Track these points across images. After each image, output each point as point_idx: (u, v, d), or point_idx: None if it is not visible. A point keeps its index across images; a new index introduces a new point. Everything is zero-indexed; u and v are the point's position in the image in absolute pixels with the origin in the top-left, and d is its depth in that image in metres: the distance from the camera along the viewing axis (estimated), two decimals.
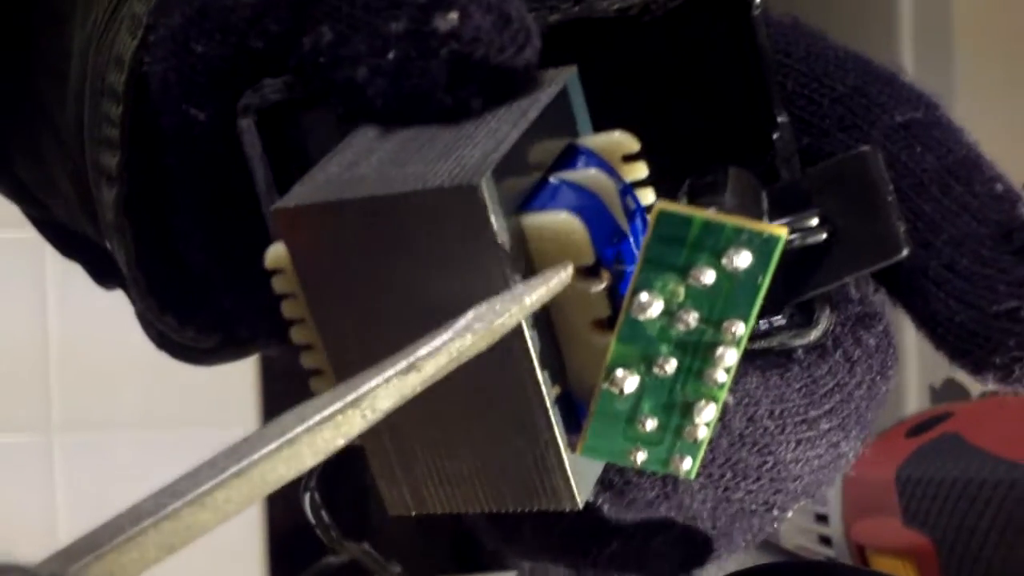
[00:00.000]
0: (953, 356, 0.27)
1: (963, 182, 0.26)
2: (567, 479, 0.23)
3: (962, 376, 0.28)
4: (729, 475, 0.27)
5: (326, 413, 0.18)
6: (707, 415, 0.23)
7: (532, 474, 0.23)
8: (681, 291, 0.22)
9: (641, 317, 0.22)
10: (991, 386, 0.27)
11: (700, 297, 0.22)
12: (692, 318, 0.22)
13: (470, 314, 0.20)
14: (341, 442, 0.18)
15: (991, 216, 0.26)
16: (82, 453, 1.00)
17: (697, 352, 0.22)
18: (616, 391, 0.22)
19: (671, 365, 0.22)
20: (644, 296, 0.22)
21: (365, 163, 0.22)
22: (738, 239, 0.21)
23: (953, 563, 0.45)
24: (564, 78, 0.24)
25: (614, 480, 0.26)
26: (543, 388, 0.22)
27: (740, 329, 0.22)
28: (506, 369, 0.22)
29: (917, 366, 0.90)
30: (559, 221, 0.22)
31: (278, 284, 0.23)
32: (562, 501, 0.23)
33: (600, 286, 0.22)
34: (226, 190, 0.26)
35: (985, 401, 0.55)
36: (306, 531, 0.35)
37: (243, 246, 0.26)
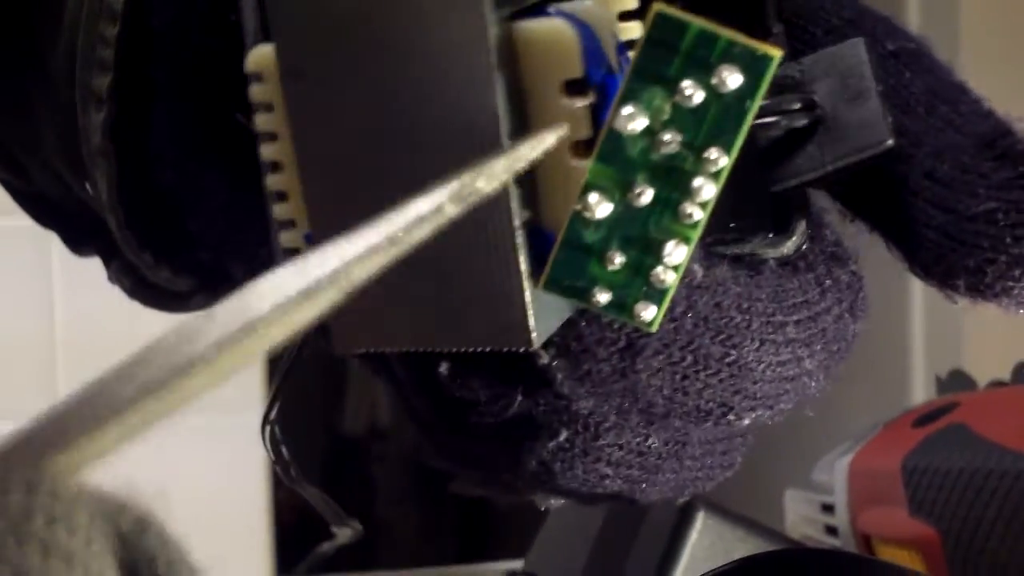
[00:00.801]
0: (926, 266, 0.26)
1: (949, 102, 0.26)
2: (525, 311, 0.22)
3: (969, 366, 0.28)
4: (690, 359, 0.26)
5: (302, 287, 0.17)
6: (677, 256, 0.22)
7: (491, 303, 0.23)
8: (667, 108, 0.21)
9: (624, 130, 0.21)
10: (961, 297, 0.26)
11: (685, 117, 0.21)
12: (675, 141, 0.21)
13: (455, 184, 0.19)
14: (314, 315, 0.17)
15: (975, 129, 0.25)
16: None
17: (675, 182, 0.22)
18: (588, 216, 0.22)
19: (647, 195, 0.22)
20: (629, 108, 0.21)
21: None
22: (731, 53, 0.21)
23: (959, 553, 0.45)
24: None
25: (571, 346, 0.25)
26: (513, 209, 0.22)
27: (722, 160, 0.21)
28: None
29: (924, 356, 0.90)
30: (552, 26, 0.21)
31: (257, 93, 0.23)
32: (517, 338, 0.23)
33: (585, 101, 0.22)
34: (207, 106, 0.26)
35: (992, 392, 0.55)
36: (312, 521, 0.35)
37: (214, 168, 0.26)
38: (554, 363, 0.25)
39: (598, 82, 0.22)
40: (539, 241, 0.23)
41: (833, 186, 0.27)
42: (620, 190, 0.22)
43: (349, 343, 0.24)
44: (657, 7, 0.20)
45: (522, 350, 0.23)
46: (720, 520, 0.46)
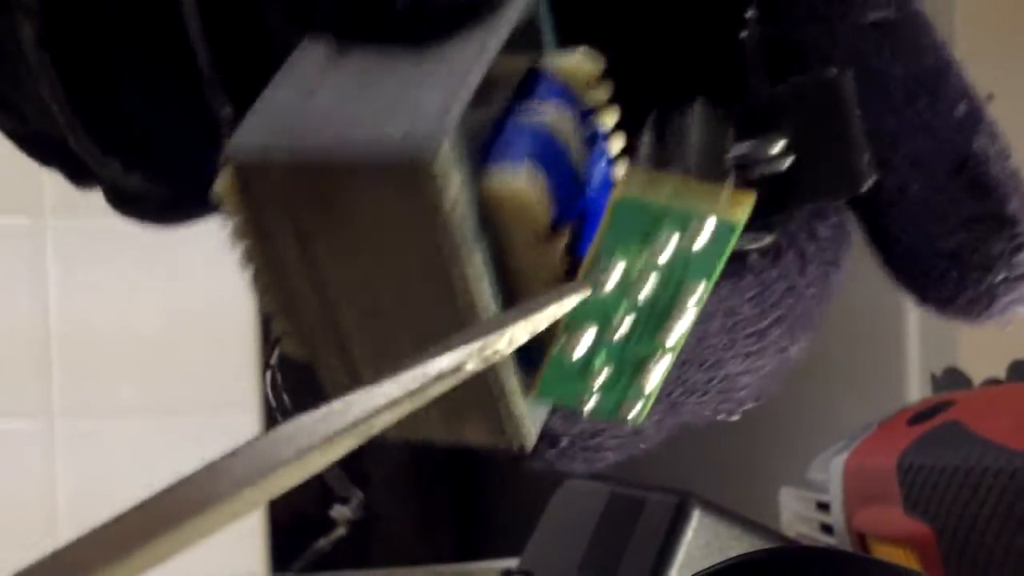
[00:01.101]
0: (897, 278, 0.27)
1: (929, 93, 0.26)
2: (520, 423, 0.24)
3: (964, 364, 0.28)
4: (678, 392, 0.27)
5: (325, 435, 0.17)
6: (660, 368, 0.23)
7: (487, 413, 0.24)
8: (639, 262, 0.22)
9: (598, 285, 0.22)
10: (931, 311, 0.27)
11: (659, 266, 0.22)
12: (650, 283, 0.22)
13: (479, 344, 0.19)
14: (332, 461, 0.18)
15: (949, 139, 0.25)
16: (83, 440, 1.00)
17: (654, 312, 0.22)
18: (568, 353, 0.23)
19: (626, 325, 0.22)
20: (602, 266, 0.22)
21: (322, 92, 0.22)
22: (696, 220, 0.21)
23: (954, 551, 0.45)
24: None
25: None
26: (511, 367, 0.23)
27: (700, 288, 0.22)
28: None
29: (919, 354, 0.90)
30: (514, 188, 0.21)
31: (227, 210, 0.23)
32: (515, 443, 0.24)
33: (557, 248, 0.22)
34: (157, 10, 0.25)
35: (987, 390, 0.55)
36: (307, 519, 0.35)
37: (169, 73, 0.26)
38: (550, 419, 0.27)
39: (571, 217, 0.22)
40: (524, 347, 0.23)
41: None
42: (600, 323, 0.23)
43: None
44: (616, 197, 0.21)
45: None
46: (716, 518, 0.46)
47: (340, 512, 0.35)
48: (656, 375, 0.23)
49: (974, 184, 0.25)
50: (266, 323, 0.30)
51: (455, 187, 0.21)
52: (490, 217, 0.22)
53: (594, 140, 0.23)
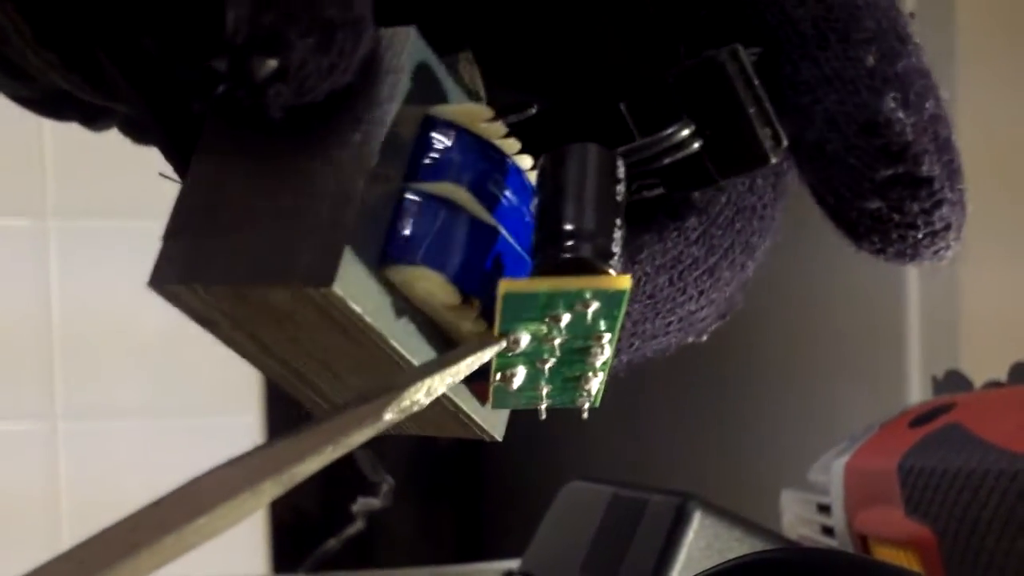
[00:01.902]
0: (835, 227, 0.27)
1: (839, 36, 0.25)
2: (483, 427, 0.26)
3: (965, 367, 0.28)
4: (638, 343, 0.27)
5: (248, 488, 0.19)
6: (595, 383, 0.25)
7: (457, 421, 0.26)
8: (544, 327, 0.23)
9: (510, 352, 0.23)
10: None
11: (562, 327, 0.23)
12: (560, 339, 0.23)
13: (398, 397, 0.21)
14: (257, 508, 0.19)
15: (858, 97, 0.25)
16: (86, 441, 1.01)
17: (574, 350, 0.24)
18: (507, 385, 0.24)
19: (551, 362, 0.24)
20: (510, 338, 0.23)
21: (224, 207, 0.23)
22: (585, 295, 0.22)
23: (955, 554, 0.45)
24: (406, 53, 0.23)
25: None
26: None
27: (607, 335, 0.24)
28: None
29: (920, 357, 0.90)
30: (419, 286, 0.23)
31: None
32: (484, 436, 0.26)
33: (473, 313, 0.23)
34: None
35: (988, 392, 0.55)
36: (307, 520, 0.35)
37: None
38: None
39: (480, 288, 0.23)
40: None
41: None
42: (528, 364, 0.24)
43: None
44: (503, 288, 0.22)
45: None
46: (717, 520, 0.46)
47: (364, 504, 0.35)
48: (595, 383, 0.25)
49: (886, 147, 0.25)
50: None
51: (363, 297, 0.22)
52: (404, 292, 0.23)
53: (506, 177, 0.24)
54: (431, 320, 0.24)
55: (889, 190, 0.25)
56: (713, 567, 0.35)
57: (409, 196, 0.23)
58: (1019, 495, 0.44)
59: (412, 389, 0.21)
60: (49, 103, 0.34)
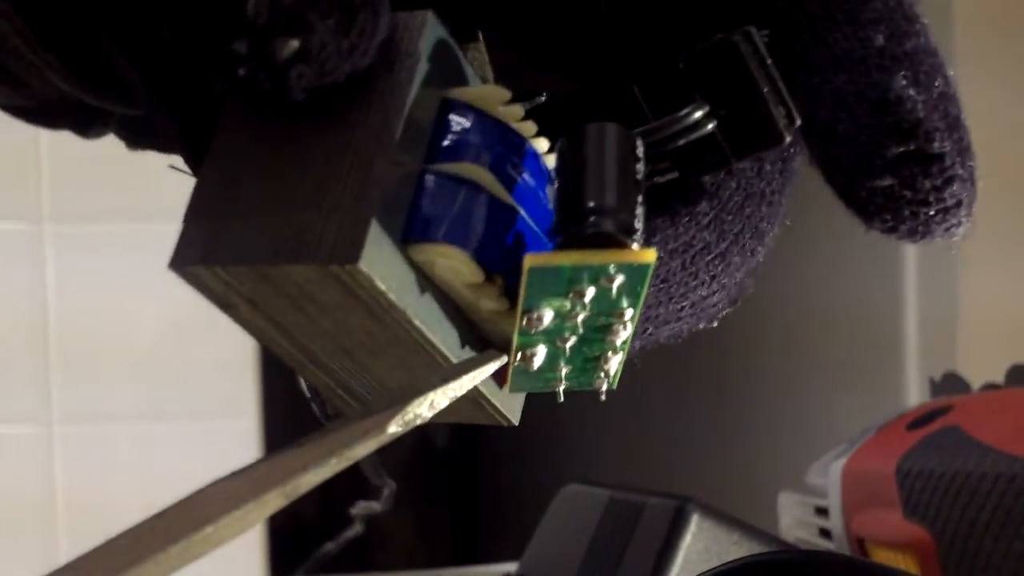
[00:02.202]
0: (846, 206, 0.27)
1: (848, 17, 0.26)
2: (501, 411, 0.26)
3: (963, 369, 0.28)
4: (651, 328, 0.28)
5: (253, 498, 0.19)
6: (615, 363, 0.25)
7: (476, 406, 0.26)
8: (567, 303, 0.23)
9: (533, 330, 0.23)
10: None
11: (586, 304, 0.23)
12: (582, 316, 0.23)
13: (402, 411, 0.21)
14: (262, 519, 0.19)
15: (868, 76, 0.26)
16: (82, 445, 1.01)
17: (595, 328, 0.24)
18: (527, 366, 0.24)
19: (572, 341, 0.24)
20: (532, 314, 0.23)
21: (245, 190, 0.23)
22: (609, 269, 0.22)
23: (953, 556, 0.45)
24: (424, 36, 0.23)
25: None
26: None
27: (630, 312, 0.23)
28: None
29: (917, 359, 0.90)
30: (442, 263, 0.23)
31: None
32: (502, 421, 0.26)
33: (493, 295, 0.23)
34: None
35: (985, 394, 0.55)
36: (305, 523, 0.35)
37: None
38: None
39: (502, 267, 0.23)
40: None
41: None
42: (549, 342, 0.24)
43: None
44: (528, 262, 0.22)
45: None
46: (715, 523, 0.46)
47: (364, 508, 0.35)
48: (614, 363, 0.25)
49: (897, 125, 0.25)
50: None
51: (388, 274, 0.22)
52: (428, 273, 0.23)
53: (524, 160, 0.24)
54: (453, 301, 0.24)
55: (901, 167, 0.25)
56: (711, 569, 0.35)
57: (430, 176, 0.23)
58: (1016, 497, 0.44)
59: (416, 403, 0.21)
60: (43, 111, 0.34)
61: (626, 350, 0.25)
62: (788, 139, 0.25)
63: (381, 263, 0.21)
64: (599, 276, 0.22)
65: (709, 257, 0.28)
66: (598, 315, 0.23)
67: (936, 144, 0.25)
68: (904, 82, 0.25)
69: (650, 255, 0.22)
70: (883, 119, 0.25)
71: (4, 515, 0.99)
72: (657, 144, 0.25)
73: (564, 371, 0.25)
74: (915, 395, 0.87)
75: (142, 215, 0.97)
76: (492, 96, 0.24)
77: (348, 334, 0.23)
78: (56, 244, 0.99)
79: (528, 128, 0.24)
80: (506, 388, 0.25)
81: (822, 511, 0.56)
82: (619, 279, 0.22)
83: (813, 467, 0.59)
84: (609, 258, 0.22)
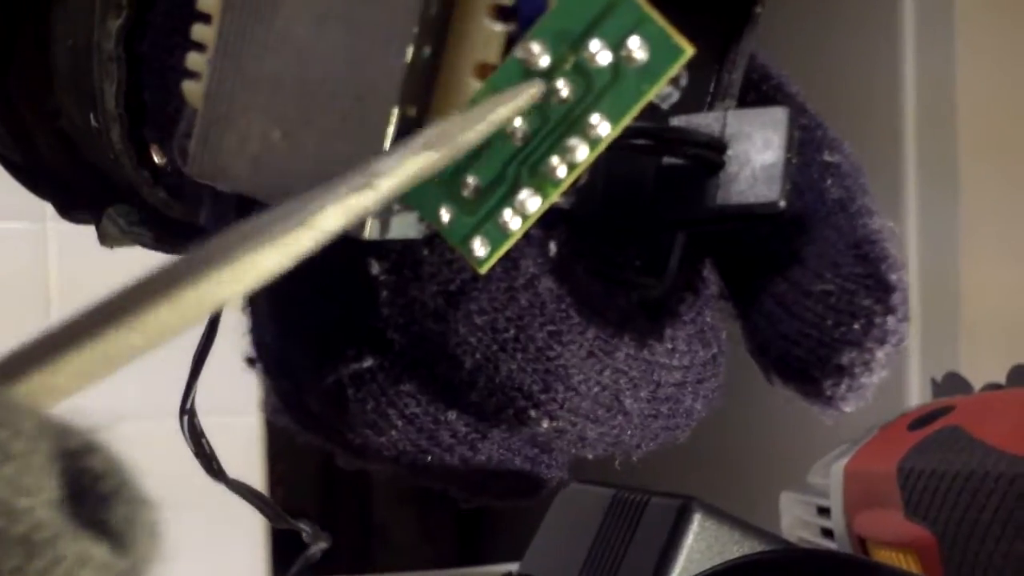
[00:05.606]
0: (782, 379, 0.30)
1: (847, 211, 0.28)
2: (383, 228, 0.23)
3: (965, 369, 0.29)
4: (512, 333, 0.25)
5: (274, 233, 0.17)
6: (530, 206, 0.22)
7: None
8: (571, 60, 0.21)
9: (525, 64, 0.21)
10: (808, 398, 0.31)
11: (585, 76, 0.21)
12: (566, 92, 0.21)
13: (422, 138, 0.20)
14: (285, 263, 0.17)
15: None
16: None
17: (553, 132, 0.22)
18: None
19: (521, 134, 0.22)
20: (536, 46, 0.21)
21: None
22: (646, 30, 0.21)
23: (955, 556, 0.45)
24: None
25: (405, 268, 0.25)
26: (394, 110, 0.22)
27: (604, 129, 0.21)
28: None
29: (919, 359, 0.90)
30: None
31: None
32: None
33: (506, 28, 0.22)
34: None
35: (987, 395, 0.55)
36: (309, 523, 0.35)
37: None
38: (383, 277, 0.25)
39: (526, 15, 0.22)
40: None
41: (719, 255, 0.29)
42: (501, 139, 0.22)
43: (199, 170, 0.25)
44: None
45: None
46: (717, 522, 0.46)
47: (314, 539, 0.35)
48: (520, 216, 0.22)
49: (866, 256, 0.28)
50: None
51: None
52: None
53: None
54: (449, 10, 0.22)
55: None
56: (712, 567, 0.35)
57: None
58: (1018, 497, 0.44)
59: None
60: (37, 177, 0.34)
61: (549, 199, 0.22)
62: (782, 206, 0.26)
63: None
64: (632, 33, 0.21)
65: (602, 339, 0.26)
66: (575, 105, 0.21)
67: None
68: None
69: (688, 45, 0.21)
70: (855, 252, 0.28)
71: None
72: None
73: (470, 185, 0.22)
74: (917, 395, 0.87)
75: None
76: None
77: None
78: (59, 243, 0.99)
79: None
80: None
81: (824, 511, 0.56)
82: (636, 62, 0.21)
83: (815, 467, 0.59)
84: (657, 18, 0.21)
